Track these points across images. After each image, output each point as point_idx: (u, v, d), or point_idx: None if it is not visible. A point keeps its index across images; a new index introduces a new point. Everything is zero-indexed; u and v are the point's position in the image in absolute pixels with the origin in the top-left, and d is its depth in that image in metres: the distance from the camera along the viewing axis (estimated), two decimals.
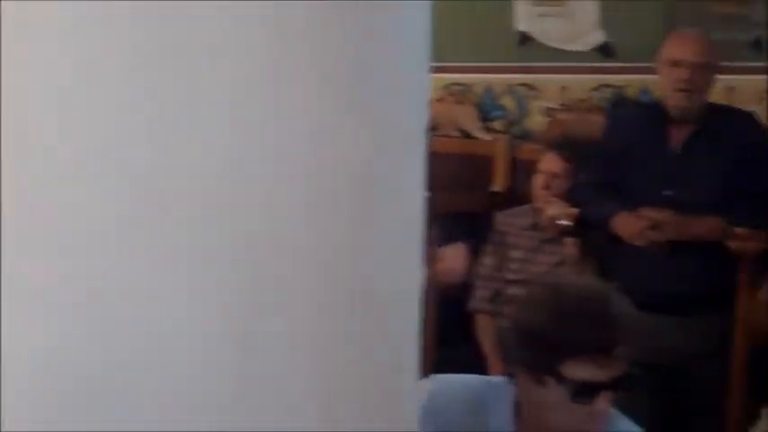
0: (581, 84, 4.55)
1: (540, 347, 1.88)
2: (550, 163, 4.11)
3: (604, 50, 4.51)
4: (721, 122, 3.67)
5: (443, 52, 4.91)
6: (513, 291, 3.97)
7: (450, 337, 4.14)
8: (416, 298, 1.23)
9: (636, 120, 3.82)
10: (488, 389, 2.10)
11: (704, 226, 3.56)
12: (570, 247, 3.94)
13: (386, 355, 1.18)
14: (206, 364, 1.05)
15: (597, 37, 4.52)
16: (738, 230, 3.46)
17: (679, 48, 3.70)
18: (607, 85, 4.44)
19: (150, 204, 1.02)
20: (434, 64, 4.75)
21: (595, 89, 4.50)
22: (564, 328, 1.85)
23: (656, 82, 3.90)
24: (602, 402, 1.86)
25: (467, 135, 4.85)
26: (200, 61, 1.02)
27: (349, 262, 1.13)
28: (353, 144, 1.11)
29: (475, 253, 4.34)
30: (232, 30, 1.03)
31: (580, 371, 1.84)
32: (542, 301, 1.96)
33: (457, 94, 4.90)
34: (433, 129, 4.94)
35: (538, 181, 4.13)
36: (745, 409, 3.57)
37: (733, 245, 3.46)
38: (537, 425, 1.98)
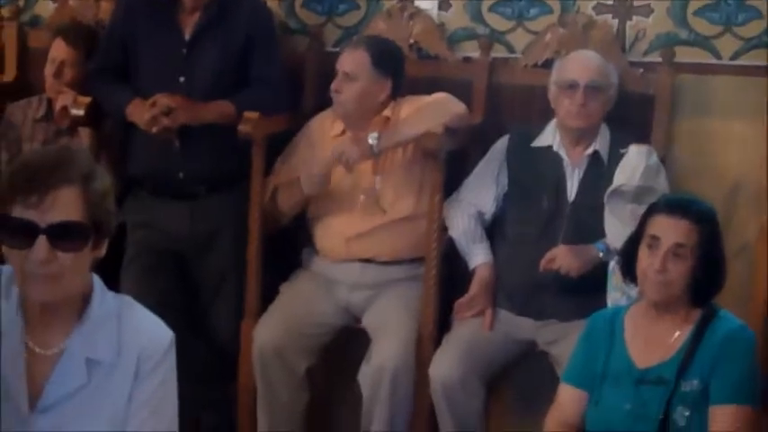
0: None
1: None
2: (58, 50, 3.99)
3: None
4: (229, 9, 3.68)
5: None
6: None
7: None
8: None
9: (146, 7, 3.73)
10: None
11: (215, 111, 3.58)
12: (85, 137, 3.86)
13: None
14: None
15: None
16: (248, 115, 3.52)
17: None
18: None
19: None
20: None
21: None
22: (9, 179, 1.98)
23: None
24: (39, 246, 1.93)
25: None
26: None
27: None
28: None
29: None
30: None
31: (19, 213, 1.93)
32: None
33: None
34: None
35: (48, 70, 4.00)
36: (261, 291, 3.67)
37: (243, 129, 3.52)
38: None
